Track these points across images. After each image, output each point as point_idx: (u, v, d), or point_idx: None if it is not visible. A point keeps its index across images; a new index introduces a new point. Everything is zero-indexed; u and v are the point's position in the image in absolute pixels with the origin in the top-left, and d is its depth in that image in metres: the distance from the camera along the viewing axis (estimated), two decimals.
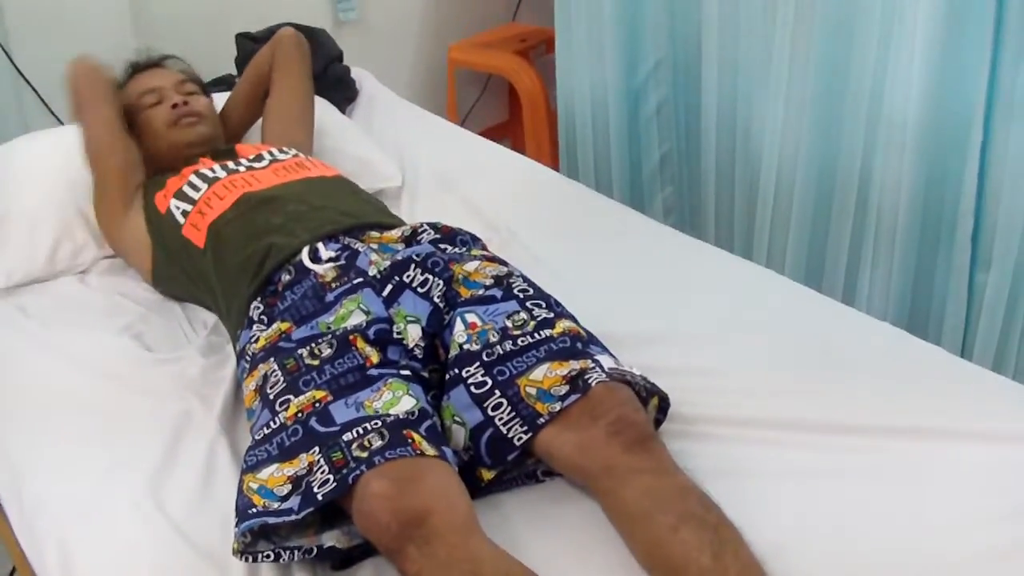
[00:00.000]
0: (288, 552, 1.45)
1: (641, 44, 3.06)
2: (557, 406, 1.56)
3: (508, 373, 1.62)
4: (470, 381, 1.62)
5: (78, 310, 2.18)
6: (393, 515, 1.37)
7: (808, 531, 1.48)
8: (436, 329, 1.74)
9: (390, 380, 1.58)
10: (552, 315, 1.73)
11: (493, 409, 1.59)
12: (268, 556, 1.44)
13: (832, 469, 1.59)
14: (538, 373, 1.61)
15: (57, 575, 1.54)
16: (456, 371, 1.64)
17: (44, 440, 1.80)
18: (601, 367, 1.61)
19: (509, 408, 1.58)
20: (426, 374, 1.67)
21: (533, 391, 1.59)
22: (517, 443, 1.56)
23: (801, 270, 2.71)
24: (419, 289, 1.77)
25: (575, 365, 1.61)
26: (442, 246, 1.92)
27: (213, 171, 2.19)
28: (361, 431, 1.47)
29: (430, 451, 1.46)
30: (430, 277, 1.79)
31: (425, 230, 1.96)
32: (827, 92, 2.55)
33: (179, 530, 1.55)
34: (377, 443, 1.44)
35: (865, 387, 1.77)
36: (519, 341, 1.66)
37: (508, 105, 4.03)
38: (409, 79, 3.44)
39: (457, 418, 1.61)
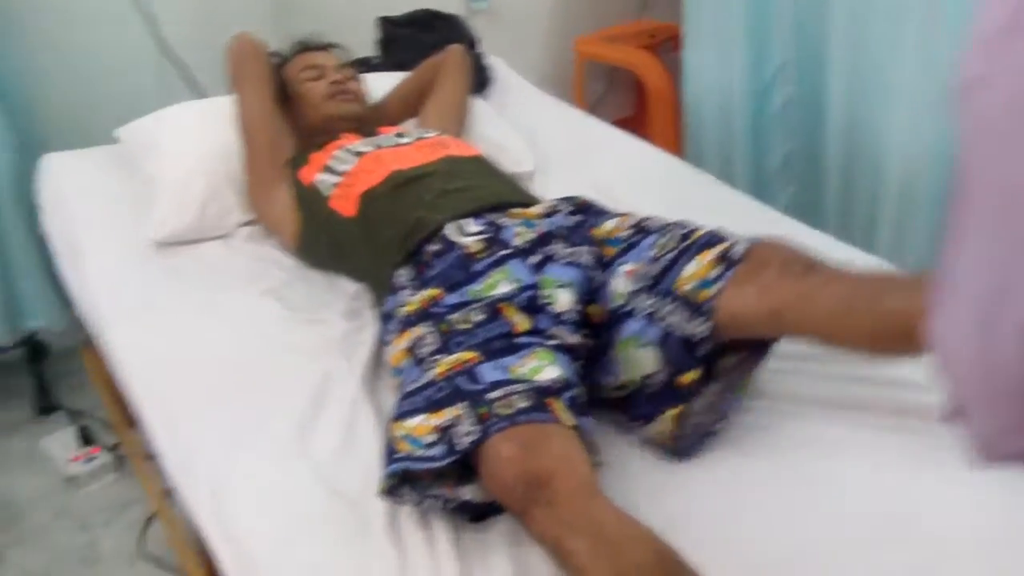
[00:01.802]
0: (428, 499, 1.54)
1: (768, 43, 3.11)
2: (718, 285, 1.67)
3: (667, 284, 1.72)
4: (639, 308, 1.73)
5: (224, 272, 2.32)
6: (518, 477, 1.45)
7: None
8: (587, 294, 1.82)
9: (537, 349, 1.66)
10: (689, 229, 1.84)
11: (668, 316, 1.69)
12: (410, 500, 1.54)
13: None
14: (688, 270, 1.72)
15: (210, 514, 1.67)
16: (628, 308, 1.75)
17: (196, 391, 1.92)
18: (743, 239, 1.73)
19: (681, 308, 1.68)
20: (575, 341, 1.73)
21: (690, 286, 1.69)
22: (701, 337, 1.65)
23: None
24: (566, 259, 1.86)
25: (720, 248, 1.73)
26: (579, 217, 2.01)
27: (360, 146, 2.31)
28: (506, 392, 1.54)
29: (568, 420, 1.53)
30: (575, 248, 1.88)
31: (563, 206, 2.05)
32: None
33: (322, 477, 1.66)
34: (520, 404, 1.52)
35: None
36: (668, 257, 1.77)
37: (634, 100, 4.09)
38: (536, 69, 3.52)
39: (638, 342, 1.71)
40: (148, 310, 2.20)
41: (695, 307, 1.67)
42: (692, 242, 1.78)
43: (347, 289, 2.20)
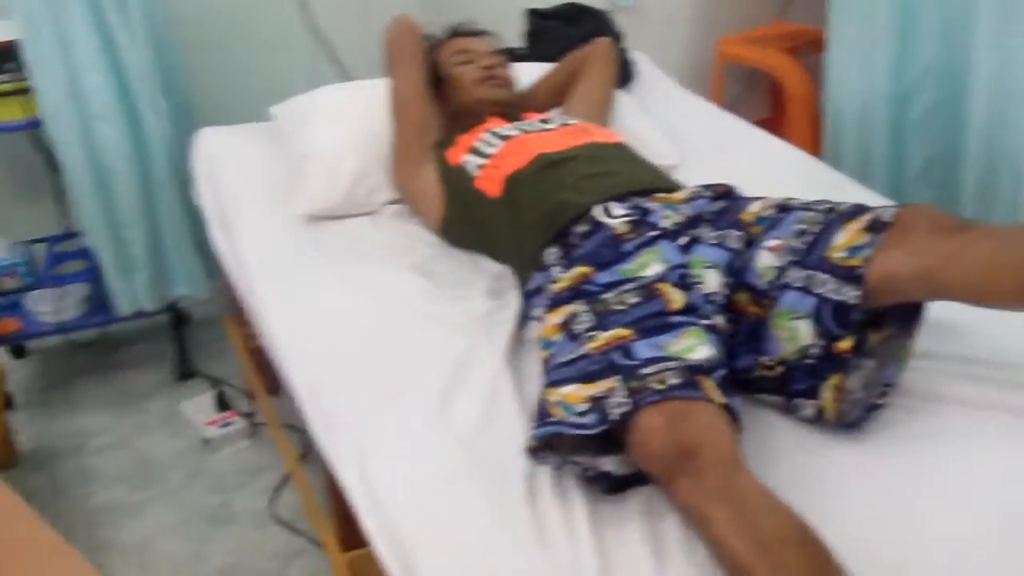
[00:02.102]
0: (568, 464, 1.60)
1: (913, 47, 3.09)
2: (869, 251, 1.70)
3: (818, 255, 1.75)
4: (792, 280, 1.76)
5: (370, 246, 2.41)
6: (666, 447, 1.50)
7: None
8: (733, 276, 1.86)
9: (690, 328, 1.70)
10: (833, 204, 1.87)
11: (820, 286, 1.73)
12: (552, 463, 1.61)
13: None
14: (838, 239, 1.75)
15: (353, 473, 1.74)
16: (778, 283, 1.78)
17: (342, 357, 2.00)
18: (890, 207, 1.76)
19: (833, 278, 1.71)
20: (723, 322, 1.78)
21: (842, 254, 1.73)
22: (855, 301, 1.68)
23: None
24: (713, 242, 1.91)
25: (867, 216, 1.76)
26: (721, 202, 2.04)
27: (506, 130, 2.38)
28: (660, 368, 1.59)
29: (718, 398, 1.58)
30: (722, 231, 1.92)
31: (704, 192, 2.09)
32: None
33: (464, 441, 1.73)
34: (673, 380, 1.57)
35: None
36: (814, 230, 1.80)
37: (770, 102, 4.10)
38: (675, 68, 3.55)
39: (795, 314, 1.74)
40: (297, 279, 2.29)
41: (846, 274, 1.70)
42: (838, 214, 1.82)
43: (490, 269, 2.27)
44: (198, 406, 3.15)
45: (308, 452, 2.85)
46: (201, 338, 3.51)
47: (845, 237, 1.75)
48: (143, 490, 2.86)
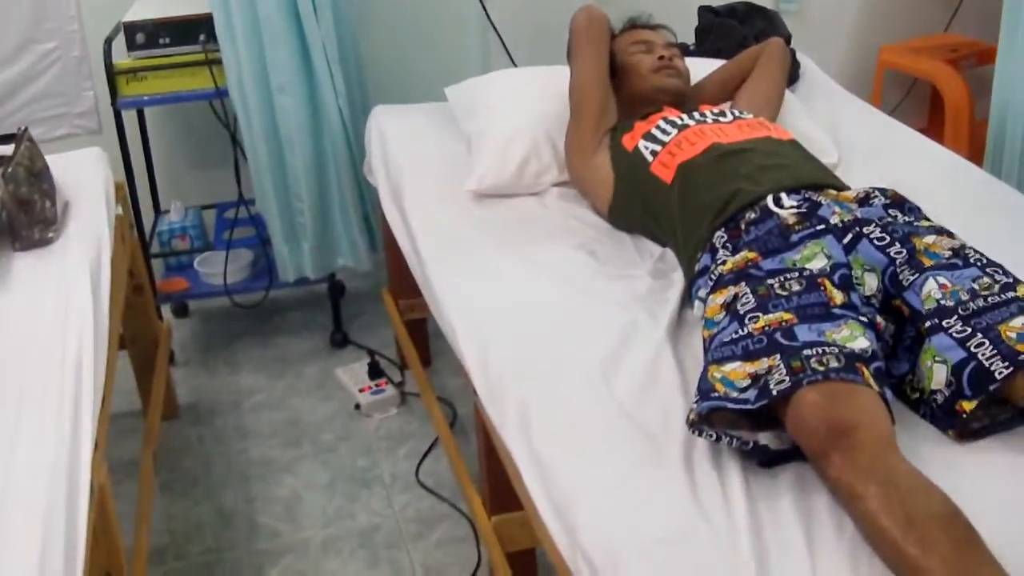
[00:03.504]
0: (726, 437, 1.66)
1: None
2: None
3: (986, 322, 1.77)
4: (951, 328, 1.79)
5: (537, 225, 2.50)
6: (823, 422, 1.56)
7: None
8: (892, 286, 1.91)
9: (850, 321, 1.76)
10: (1011, 280, 1.88)
11: (975, 347, 1.74)
12: (711, 436, 1.66)
13: None
14: (1016, 322, 1.75)
15: (515, 428, 1.83)
16: (936, 321, 1.81)
17: (507, 325, 2.09)
18: None
19: (991, 347, 1.73)
20: (882, 322, 1.84)
21: (1014, 335, 1.73)
22: (999, 376, 1.69)
23: None
24: (876, 242, 1.95)
25: None
26: (892, 212, 2.09)
27: (682, 119, 2.45)
28: (820, 351, 1.66)
29: (874, 386, 1.64)
30: (887, 236, 1.97)
31: (877, 195, 2.13)
32: None
33: (624, 409, 1.79)
34: (833, 363, 1.63)
35: None
36: (989, 299, 1.82)
37: (928, 111, 4.08)
38: (836, 72, 3.56)
39: (939, 358, 1.77)
40: (465, 253, 2.39)
41: (1008, 352, 1.71)
42: (1020, 298, 1.82)
43: (654, 251, 2.34)
44: (351, 373, 3.27)
45: (456, 422, 2.97)
46: (354, 309, 3.64)
47: (1022, 323, 1.75)
48: (295, 448, 3.00)
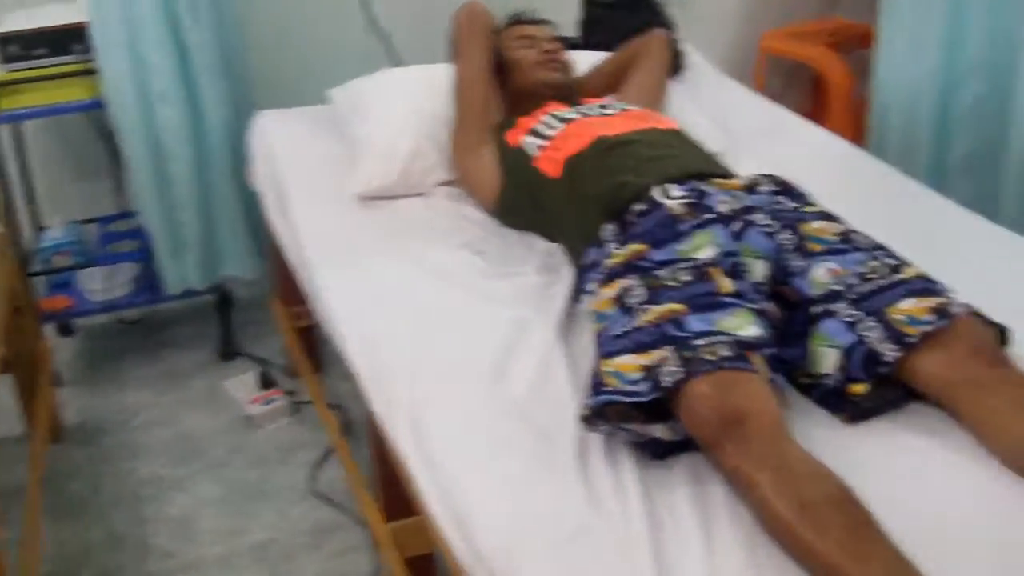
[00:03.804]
0: (620, 432, 1.65)
1: (963, 43, 3.13)
2: (926, 328, 1.73)
3: (874, 306, 1.80)
4: (840, 313, 1.81)
5: (423, 226, 2.47)
6: (715, 412, 1.56)
7: None
8: (781, 272, 1.92)
9: (740, 309, 1.76)
10: (898, 262, 1.90)
11: (864, 331, 1.77)
12: (604, 431, 1.65)
13: None
14: (904, 304, 1.78)
15: (408, 433, 1.79)
16: (825, 306, 1.84)
17: (396, 329, 2.05)
18: (958, 302, 1.79)
19: (881, 330, 1.76)
20: (772, 308, 1.85)
21: (901, 317, 1.76)
22: (888, 359, 1.73)
23: None
24: (764, 230, 1.97)
25: (936, 300, 1.79)
26: (779, 198, 2.10)
27: (567, 113, 2.44)
28: (711, 341, 1.66)
29: (765, 372, 1.65)
30: (775, 223, 1.98)
31: (764, 182, 2.15)
32: None
33: (516, 408, 1.77)
34: (724, 352, 1.63)
35: None
36: (878, 282, 1.84)
37: (810, 96, 4.13)
38: (721, 60, 3.59)
39: (829, 342, 1.79)
40: (352, 257, 2.34)
41: (896, 335, 1.75)
42: (906, 280, 1.85)
43: (541, 247, 2.31)
44: (241, 384, 3.20)
45: (349, 429, 2.91)
46: (244, 319, 3.56)
47: (910, 306, 1.78)
48: (186, 465, 2.92)
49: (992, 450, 1.63)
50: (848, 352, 1.76)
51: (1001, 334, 1.82)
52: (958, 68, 3.15)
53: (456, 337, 1.98)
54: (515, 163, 2.41)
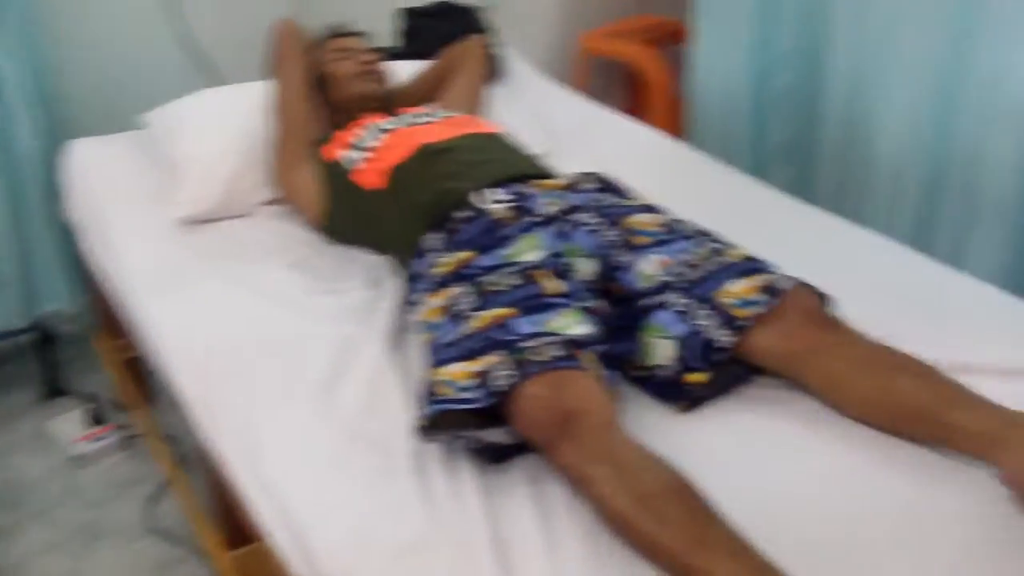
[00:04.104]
0: (456, 440, 1.64)
1: (773, 31, 3.23)
2: (758, 309, 1.78)
3: (704, 292, 1.83)
4: (671, 303, 1.84)
5: (249, 247, 2.41)
6: (547, 413, 1.57)
7: None
8: (608, 269, 1.94)
9: (568, 308, 1.77)
10: (722, 246, 1.95)
11: (697, 319, 1.80)
12: (440, 440, 1.64)
13: None
14: (732, 287, 1.83)
15: (243, 465, 1.75)
16: (655, 298, 1.87)
17: (225, 355, 2.00)
18: (784, 276, 1.84)
19: (713, 316, 1.79)
20: (598, 305, 1.86)
21: (732, 300, 1.80)
22: (723, 345, 1.76)
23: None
24: (589, 228, 1.99)
25: (763, 278, 1.84)
26: (601, 195, 2.14)
27: (388, 123, 2.44)
28: (540, 342, 1.66)
29: (596, 370, 1.66)
30: (599, 220, 2.01)
31: (585, 180, 2.18)
32: (947, 81, 2.69)
33: (351, 425, 1.75)
34: (553, 352, 1.64)
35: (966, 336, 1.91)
36: (706, 268, 1.88)
37: (631, 93, 4.18)
38: (540, 62, 3.61)
39: (663, 333, 1.82)
40: (176, 284, 2.27)
41: (728, 320, 1.79)
42: (733, 263, 1.89)
43: (367, 260, 2.29)
44: (67, 423, 3.07)
45: (185, 460, 2.82)
46: (69, 355, 3.42)
47: (739, 288, 1.83)
48: (14, 511, 2.78)
49: (842, 411, 1.69)
50: (683, 342, 1.79)
51: (826, 303, 1.88)
52: (769, 58, 3.25)
53: (287, 358, 1.94)
54: (337, 178, 2.38)
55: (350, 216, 2.35)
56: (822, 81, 3.13)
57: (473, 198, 2.09)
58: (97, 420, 3.03)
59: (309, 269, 2.27)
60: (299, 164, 2.48)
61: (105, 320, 3.05)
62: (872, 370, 1.69)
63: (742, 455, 1.66)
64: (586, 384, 1.62)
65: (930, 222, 2.87)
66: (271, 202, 2.58)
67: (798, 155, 3.33)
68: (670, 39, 3.88)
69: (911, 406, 1.63)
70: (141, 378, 3.07)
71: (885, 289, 2.09)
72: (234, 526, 2.05)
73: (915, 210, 2.90)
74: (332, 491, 1.63)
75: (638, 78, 3.90)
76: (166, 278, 2.31)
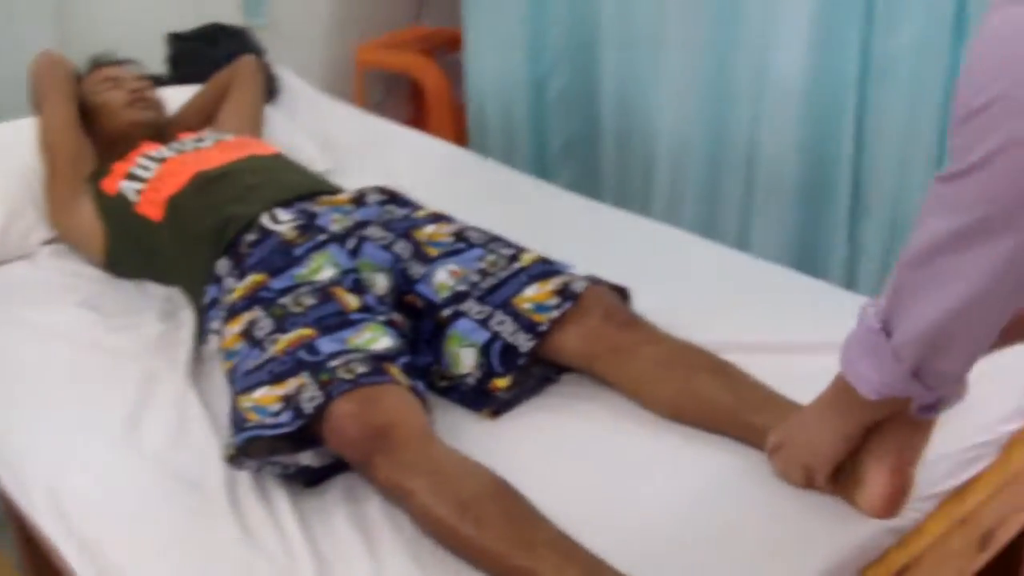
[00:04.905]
0: (268, 466, 1.63)
1: (544, 37, 3.31)
2: (555, 313, 1.82)
3: (501, 299, 1.86)
4: (470, 312, 1.87)
5: (33, 289, 2.32)
6: (359, 430, 1.57)
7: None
8: (403, 282, 1.96)
9: (370, 323, 1.78)
10: (515, 251, 1.98)
11: (498, 325, 1.83)
12: (252, 468, 1.63)
13: None
14: (528, 292, 1.86)
15: (49, 515, 1.68)
16: (453, 309, 1.89)
17: (21, 399, 1.94)
18: (578, 277, 1.89)
19: (512, 322, 1.83)
20: (398, 318, 1.87)
21: (529, 306, 1.84)
22: (525, 350, 1.79)
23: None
24: (379, 242, 2.00)
25: (558, 280, 1.87)
26: (388, 208, 2.15)
27: (161, 152, 2.38)
28: (346, 360, 1.66)
29: (404, 381, 1.67)
30: (390, 234, 2.02)
31: (370, 194, 2.19)
32: (717, 69, 2.81)
33: (158, 461, 1.72)
34: (360, 369, 1.64)
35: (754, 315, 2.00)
36: (499, 275, 1.91)
37: (411, 104, 4.21)
38: (317, 79, 3.59)
39: (464, 342, 1.84)
40: None
41: (527, 324, 1.82)
42: (525, 267, 1.93)
43: (159, 293, 2.25)
44: None
45: None
46: None
47: (534, 293, 1.87)
48: None
49: (650, 409, 1.74)
50: (484, 349, 1.82)
51: (624, 297, 1.94)
52: (544, 60, 3.34)
53: (83, 401, 1.89)
54: (115, 212, 2.32)
55: (134, 250, 2.29)
56: (598, 79, 3.22)
57: (259, 219, 2.07)
58: None
59: (99, 306, 2.21)
60: (73, 201, 2.40)
61: None
62: (673, 371, 1.74)
63: (553, 455, 1.69)
64: (396, 397, 1.63)
65: (712, 207, 3.00)
66: (52, 241, 2.50)
67: (581, 153, 3.42)
68: (448, 47, 3.92)
69: (714, 408, 1.69)
70: None
71: (676, 277, 2.17)
72: None
73: (697, 197, 3.01)
74: (147, 534, 1.58)
75: (419, 89, 3.93)
76: None
